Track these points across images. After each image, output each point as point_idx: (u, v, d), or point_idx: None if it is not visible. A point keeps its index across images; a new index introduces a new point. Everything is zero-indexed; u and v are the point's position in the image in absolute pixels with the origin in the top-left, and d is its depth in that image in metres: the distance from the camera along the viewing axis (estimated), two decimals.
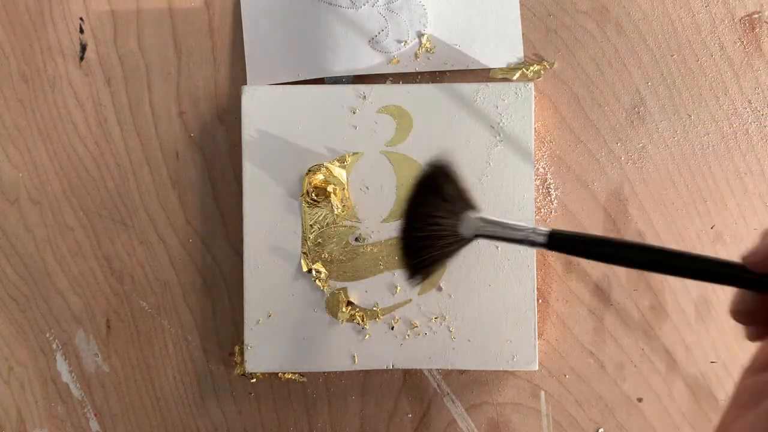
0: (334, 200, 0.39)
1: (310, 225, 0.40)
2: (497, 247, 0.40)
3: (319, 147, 0.40)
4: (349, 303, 0.40)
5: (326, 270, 0.40)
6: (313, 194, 0.39)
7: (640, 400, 0.41)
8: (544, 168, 0.42)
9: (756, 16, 0.41)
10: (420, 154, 0.40)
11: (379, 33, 0.41)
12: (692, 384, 0.41)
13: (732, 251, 0.41)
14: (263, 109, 0.40)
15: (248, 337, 0.40)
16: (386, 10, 0.41)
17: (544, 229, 0.27)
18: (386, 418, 0.42)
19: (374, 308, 0.40)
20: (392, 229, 0.40)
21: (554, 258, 0.41)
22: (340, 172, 0.40)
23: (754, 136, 0.41)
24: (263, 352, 0.40)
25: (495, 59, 0.42)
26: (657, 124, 0.41)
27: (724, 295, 0.41)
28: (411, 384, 0.42)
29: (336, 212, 0.40)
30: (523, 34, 0.42)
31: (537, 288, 0.40)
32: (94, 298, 0.43)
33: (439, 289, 0.40)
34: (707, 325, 0.41)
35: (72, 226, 0.43)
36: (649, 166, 0.41)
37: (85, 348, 0.43)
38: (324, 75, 0.41)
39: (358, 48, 0.41)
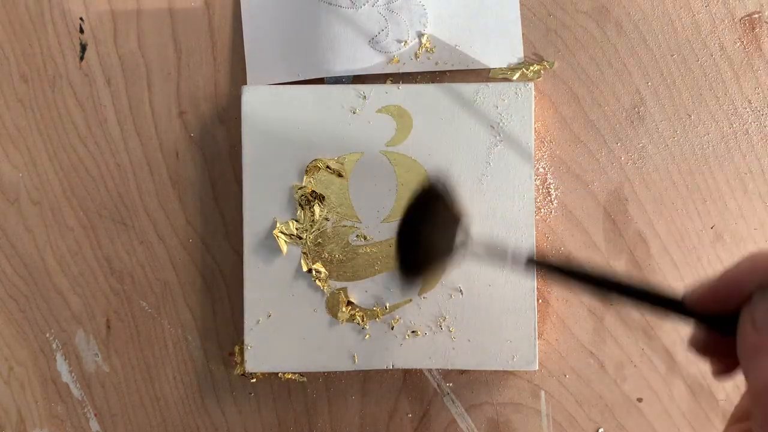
0: (331, 199, 0.39)
1: (310, 225, 0.40)
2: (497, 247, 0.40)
3: (319, 147, 0.40)
4: (349, 303, 0.40)
5: (326, 270, 0.40)
6: (309, 195, 0.40)
7: (640, 400, 0.41)
8: (544, 168, 0.42)
9: (756, 16, 0.41)
10: (420, 154, 0.40)
11: (379, 33, 0.41)
12: (692, 384, 0.41)
13: (732, 251, 0.41)
14: (263, 109, 0.40)
15: (248, 337, 0.40)
16: (386, 10, 0.41)
17: (522, 252, 0.29)
18: (386, 418, 0.42)
19: (374, 308, 0.40)
20: (392, 229, 0.40)
21: (554, 258, 0.41)
22: (338, 167, 0.40)
23: (754, 136, 0.41)
24: (263, 352, 0.40)
25: (495, 59, 0.42)
26: (657, 124, 0.41)
27: None
28: (411, 384, 0.42)
29: (335, 211, 0.40)
30: (523, 34, 0.42)
31: (537, 288, 0.40)
32: (94, 298, 0.43)
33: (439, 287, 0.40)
34: None
35: (72, 226, 0.43)
36: (649, 166, 0.41)
37: (85, 348, 0.43)
38: (324, 75, 0.41)
39: (358, 48, 0.41)
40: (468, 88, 0.40)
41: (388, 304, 0.40)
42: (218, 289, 0.43)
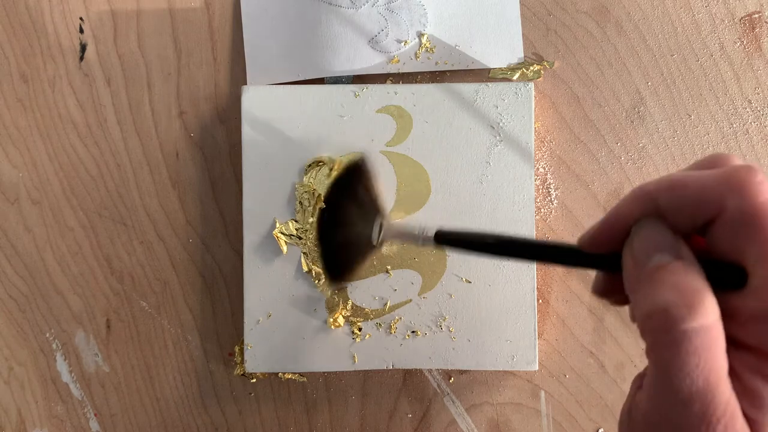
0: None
1: (310, 225, 0.40)
2: None
3: (319, 147, 0.40)
4: (349, 303, 0.40)
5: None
6: (312, 194, 0.40)
7: None
8: (544, 168, 0.42)
9: (756, 16, 0.41)
10: (420, 154, 0.40)
11: (379, 33, 0.41)
12: None
13: None
14: (263, 109, 0.40)
15: (248, 337, 0.40)
16: (386, 10, 0.41)
17: (431, 228, 0.30)
18: (386, 418, 0.42)
19: (374, 308, 0.40)
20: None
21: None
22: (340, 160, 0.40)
23: (754, 136, 0.41)
24: (263, 352, 0.40)
25: (495, 59, 0.42)
26: (657, 124, 0.41)
27: None
28: (411, 384, 0.42)
29: None
30: (523, 34, 0.42)
31: (537, 288, 0.40)
32: (94, 298, 0.43)
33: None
34: None
35: (72, 226, 0.43)
36: (649, 166, 0.41)
37: (85, 348, 0.43)
38: (324, 75, 0.41)
39: (358, 48, 0.41)
40: (468, 88, 0.40)
41: (388, 304, 0.40)
42: (218, 289, 0.43)
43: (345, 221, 0.33)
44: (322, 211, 0.34)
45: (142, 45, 0.43)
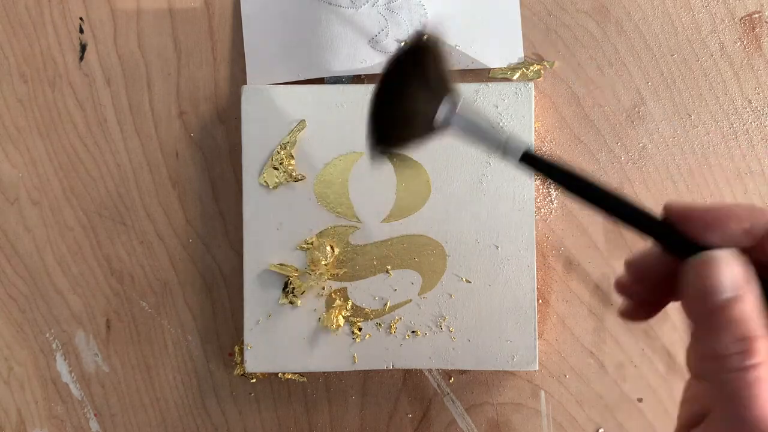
0: (331, 199, 0.39)
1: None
2: (497, 247, 0.40)
3: (319, 147, 0.40)
4: (349, 303, 0.40)
5: (326, 270, 0.40)
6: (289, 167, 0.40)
7: (640, 400, 0.41)
8: None
9: (756, 16, 0.41)
10: (420, 154, 0.40)
11: (379, 33, 0.41)
12: None
13: None
14: (263, 109, 0.40)
15: (248, 337, 0.40)
16: (386, 10, 0.41)
17: (521, 143, 0.26)
18: (386, 418, 0.42)
19: (374, 308, 0.40)
20: (392, 229, 0.40)
21: (554, 258, 0.41)
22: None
23: (754, 136, 0.41)
24: (263, 352, 0.40)
25: (495, 59, 0.42)
26: (657, 124, 0.41)
27: None
28: (411, 384, 0.42)
29: (335, 211, 0.40)
30: (523, 34, 0.42)
31: (537, 288, 0.40)
32: (94, 298, 0.43)
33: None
34: None
35: (72, 226, 0.43)
36: (649, 166, 0.41)
37: (85, 348, 0.43)
38: (324, 75, 0.41)
39: (358, 48, 0.41)
40: (468, 88, 0.40)
41: (388, 304, 0.40)
42: (218, 289, 0.43)
43: (406, 93, 0.28)
44: (382, 77, 0.28)
45: (142, 45, 0.43)
